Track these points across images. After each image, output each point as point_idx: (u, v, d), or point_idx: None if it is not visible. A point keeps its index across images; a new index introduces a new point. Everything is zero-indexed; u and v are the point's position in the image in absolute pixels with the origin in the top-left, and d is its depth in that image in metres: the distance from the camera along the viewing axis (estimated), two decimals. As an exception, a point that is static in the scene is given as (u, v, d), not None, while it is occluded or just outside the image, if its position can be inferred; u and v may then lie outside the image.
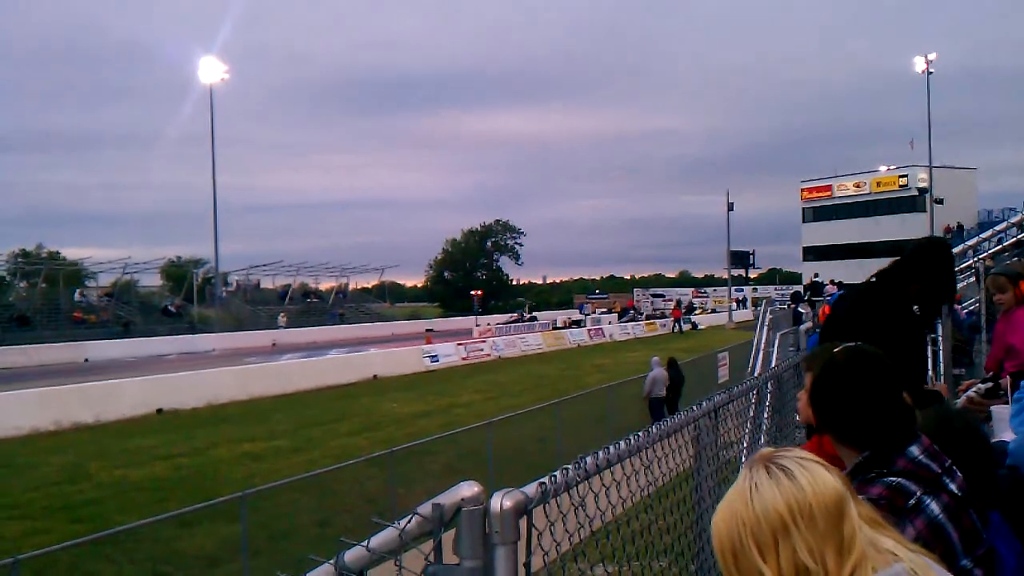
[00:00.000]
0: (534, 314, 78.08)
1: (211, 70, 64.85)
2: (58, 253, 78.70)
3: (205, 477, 16.93)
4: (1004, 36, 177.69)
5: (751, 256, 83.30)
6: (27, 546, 10.48)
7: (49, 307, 61.11)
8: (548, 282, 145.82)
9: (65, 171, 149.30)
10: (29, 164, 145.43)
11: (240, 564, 10.29)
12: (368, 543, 1.69)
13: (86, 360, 46.13)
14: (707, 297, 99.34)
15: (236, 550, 10.62)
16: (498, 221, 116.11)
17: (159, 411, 25.71)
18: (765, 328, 25.16)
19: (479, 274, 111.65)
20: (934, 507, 1.95)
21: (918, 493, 1.97)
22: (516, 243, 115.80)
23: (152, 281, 75.15)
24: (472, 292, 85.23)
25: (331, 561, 1.81)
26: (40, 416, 22.89)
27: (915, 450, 2.07)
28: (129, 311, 63.82)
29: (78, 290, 67.57)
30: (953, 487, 2.03)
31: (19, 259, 70.97)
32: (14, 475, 17.37)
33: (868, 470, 2.05)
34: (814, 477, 1.48)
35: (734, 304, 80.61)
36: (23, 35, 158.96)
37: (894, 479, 1.99)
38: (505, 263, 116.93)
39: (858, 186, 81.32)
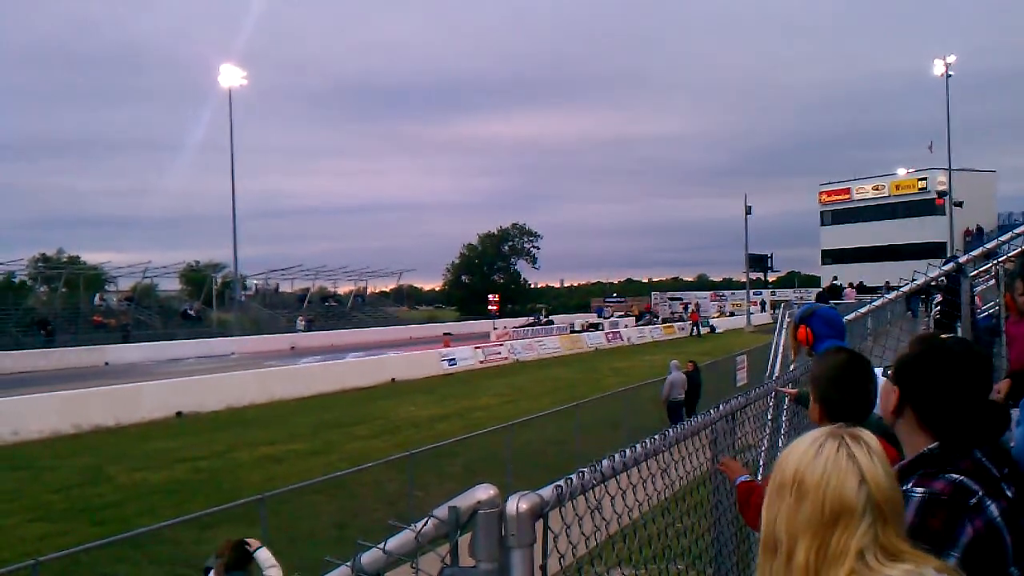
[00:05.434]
0: (551, 318, 77.27)
1: (230, 75, 65.36)
2: (78, 258, 79.01)
3: (225, 480, 17.01)
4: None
5: (769, 259, 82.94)
6: (48, 548, 10.56)
7: (69, 311, 61.53)
8: (566, 285, 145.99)
9: (85, 176, 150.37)
10: (49, 169, 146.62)
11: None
12: (385, 545, 1.69)
13: (106, 364, 46.39)
14: (725, 300, 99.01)
15: (255, 553, 10.65)
16: (515, 224, 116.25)
17: (179, 414, 25.86)
18: (784, 331, 25.00)
19: (496, 277, 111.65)
20: (994, 509, 1.95)
21: (980, 493, 1.96)
22: (533, 246, 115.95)
23: (171, 285, 75.69)
24: (489, 295, 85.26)
25: (348, 563, 1.82)
26: (61, 419, 23.03)
27: (979, 452, 2.07)
28: (148, 315, 64.19)
29: (98, 294, 67.85)
30: (1009, 493, 2.02)
31: (40, 264, 71.55)
32: (35, 478, 17.50)
33: (932, 464, 2.05)
34: (840, 471, 1.49)
35: (753, 307, 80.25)
36: (43, 40, 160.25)
37: (957, 476, 1.98)
38: (522, 267, 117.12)
39: (877, 189, 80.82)
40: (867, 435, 1.56)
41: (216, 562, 6.51)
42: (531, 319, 76.62)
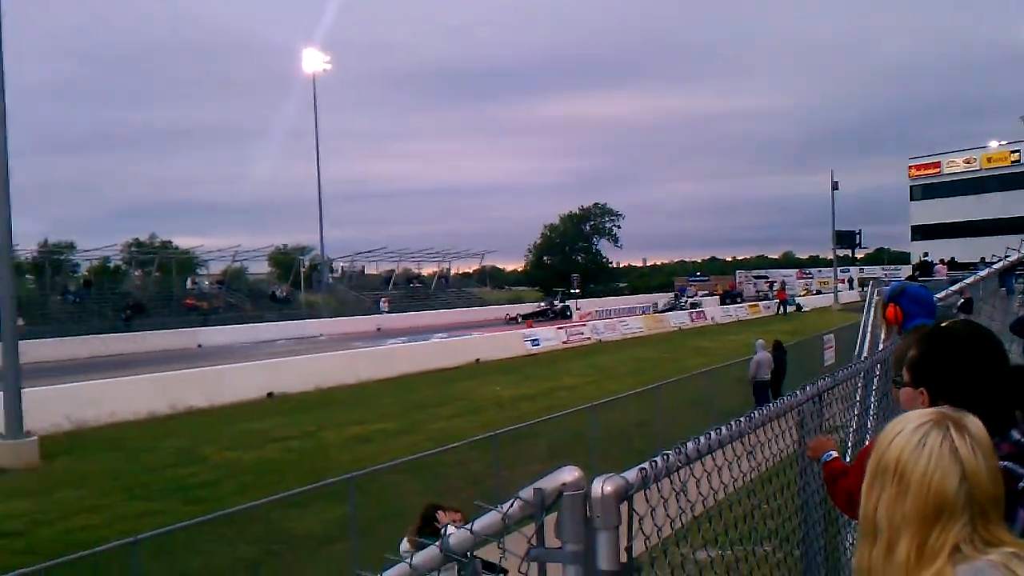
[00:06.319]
0: (567, 304, 66.58)
1: (313, 60, 66.24)
2: (170, 242, 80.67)
3: (314, 459, 17.30)
4: None
5: (858, 236, 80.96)
6: (145, 526, 10.78)
7: (163, 295, 63.30)
8: (648, 264, 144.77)
9: (177, 164, 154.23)
10: (142, 158, 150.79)
11: (347, 544, 10.52)
12: (472, 526, 1.73)
13: (199, 346, 47.62)
14: (812, 278, 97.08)
15: (344, 531, 10.85)
16: (596, 204, 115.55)
17: (269, 395, 26.38)
18: (872, 309, 24.46)
19: (578, 257, 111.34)
20: None
21: None
22: (615, 226, 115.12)
23: (260, 268, 77.27)
24: (572, 275, 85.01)
25: (437, 543, 1.87)
26: (156, 401, 23.59)
27: (1016, 433, 2.03)
28: (239, 298, 65.71)
29: (190, 278, 69.44)
30: None
31: (133, 248, 73.57)
32: (132, 458, 17.96)
33: None
34: (943, 468, 1.47)
35: (840, 285, 78.52)
36: (136, 33, 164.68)
37: (1002, 462, 1.95)
38: (604, 246, 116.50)
39: (968, 162, 77.95)
40: (972, 421, 1.53)
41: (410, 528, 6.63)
42: (543, 304, 68.05)
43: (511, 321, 60.05)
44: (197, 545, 11.07)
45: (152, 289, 63.84)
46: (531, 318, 59.89)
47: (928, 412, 1.57)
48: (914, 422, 1.54)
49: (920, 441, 1.50)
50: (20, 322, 22.88)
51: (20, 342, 19.13)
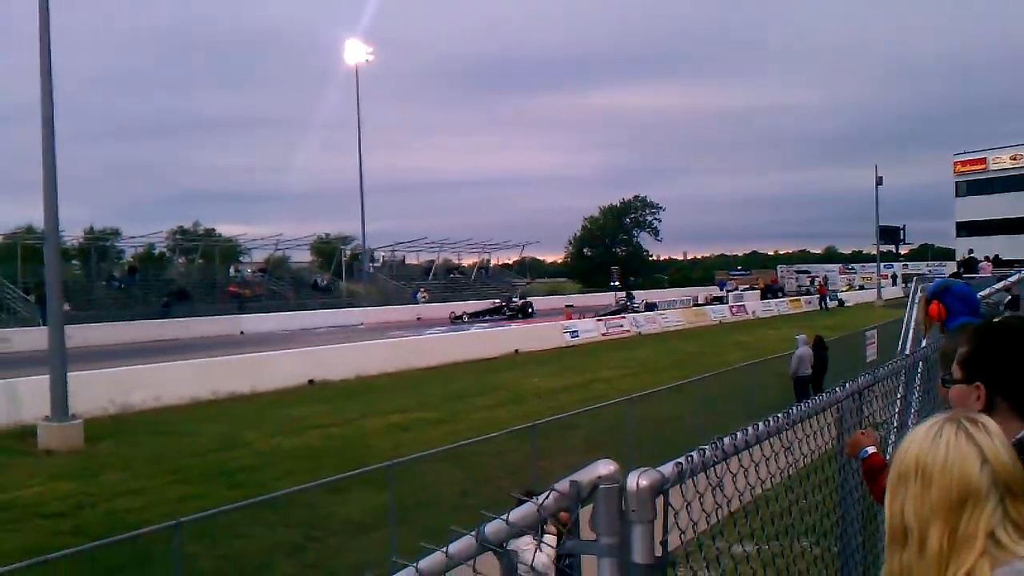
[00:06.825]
0: (528, 300, 59.81)
1: (355, 52, 66.58)
2: (214, 230, 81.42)
3: (355, 446, 17.41)
4: None
5: (901, 231, 79.97)
6: (187, 509, 10.93)
7: (206, 282, 64.04)
8: (689, 258, 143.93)
9: (220, 153, 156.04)
10: (186, 146, 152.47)
11: (386, 532, 10.61)
12: (508, 517, 1.74)
13: (241, 333, 48.18)
14: (854, 274, 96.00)
15: (383, 517, 10.94)
16: (636, 197, 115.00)
17: (311, 382, 26.61)
18: (916, 306, 24.15)
19: (618, 250, 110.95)
20: None
21: None
22: (655, 219, 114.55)
23: (302, 257, 77.90)
24: (611, 268, 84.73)
25: (472, 532, 1.88)
26: (199, 386, 23.89)
27: None
28: (281, 286, 66.33)
29: (233, 265, 70.21)
30: None
31: (178, 236, 74.35)
32: (175, 442, 18.18)
33: None
34: (961, 454, 1.47)
35: (883, 281, 77.57)
36: (183, 24, 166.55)
37: None
38: (644, 239, 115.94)
39: (1015, 159, 76.48)
40: (984, 418, 1.55)
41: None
42: (499, 302, 59.72)
43: (456, 320, 53.72)
44: (239, 529, 11.22)
45: (196, 276, 64.58)
46: (482, 316, 55.03)
47: (940, 415, 1.59)
48: (926, 425, 1.56)
49: (935, 436, 1.51)
50: (66, 307, 23.23)
51: (66, 326, 19.44)
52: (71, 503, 13.61)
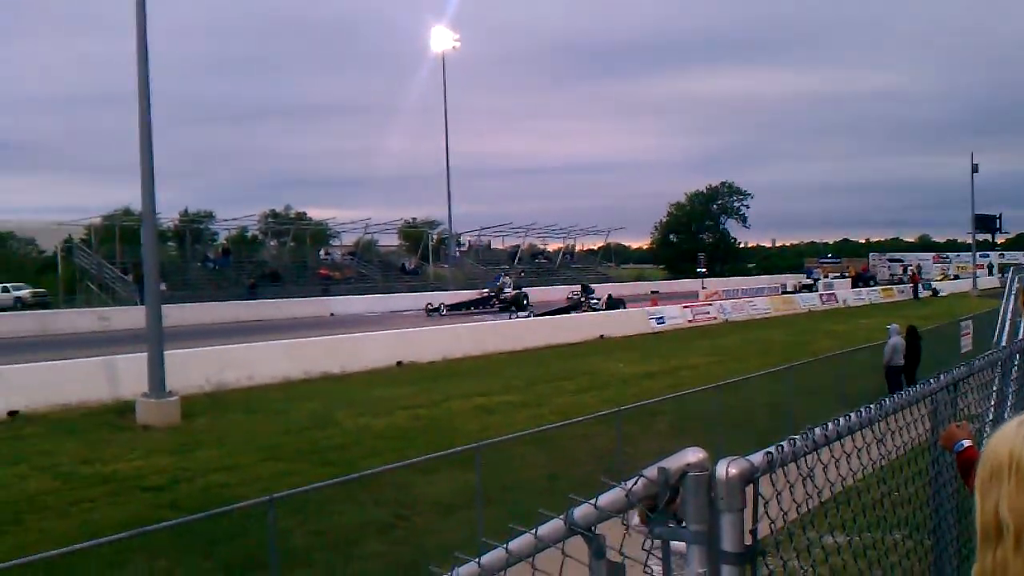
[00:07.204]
0: (522, 291, 51.27)
1: (442, 38, 66.98)
2: (304, 214, 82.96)
3: (441, 427, 17.58)
4: None
5: (998, 220, 77.30)
6: (280, 485, 11.11)
7: (297, 264, 65.34)
8: (777, 245, 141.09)
9: (311, 139, 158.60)
10: (278, 132, 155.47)
11: (472, 512, 10.70)
12: (596, 501, 1.76)
13: (331, 314, 49.08)
14: (949, 263, 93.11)
15: (469, 498, 11.05)
16: (724, 183, 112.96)
17: (399, 364, 26.91)
18: (1012, 296, 23.35)
19: (705, 236, 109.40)
20: None
21: None
22: (743, 205, 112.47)
23: (391, 241, 78.92)
24: (698, 254, 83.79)
25: (561, 516, 1.91)
26: (291, 366, 24.38)
27: None
28: (370, 269, 67.33)
29: (323, 248, 71.45)
30: None
31: (270, 219, 76.00)
32: (269, 420, 18.59)
33: None
34: None
35: (979, 270, 75.05)
36: (275, 11, 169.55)
37: None
38: (731, 226, 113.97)
39: (1119, 146, 73.22)
40: None
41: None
42: (484, 292, 53.78)
43: (432, 312, 48.13)
44: (330, 506, 11.45)
45: (287, 259, 66.01)
46: (462, 309, 49.32)
47: None
48: (1016, 421, 1.52)
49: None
50: (162, 287, 23.97)
51: (162, 306, 19.96)
52: (168, 477, 14.05)
